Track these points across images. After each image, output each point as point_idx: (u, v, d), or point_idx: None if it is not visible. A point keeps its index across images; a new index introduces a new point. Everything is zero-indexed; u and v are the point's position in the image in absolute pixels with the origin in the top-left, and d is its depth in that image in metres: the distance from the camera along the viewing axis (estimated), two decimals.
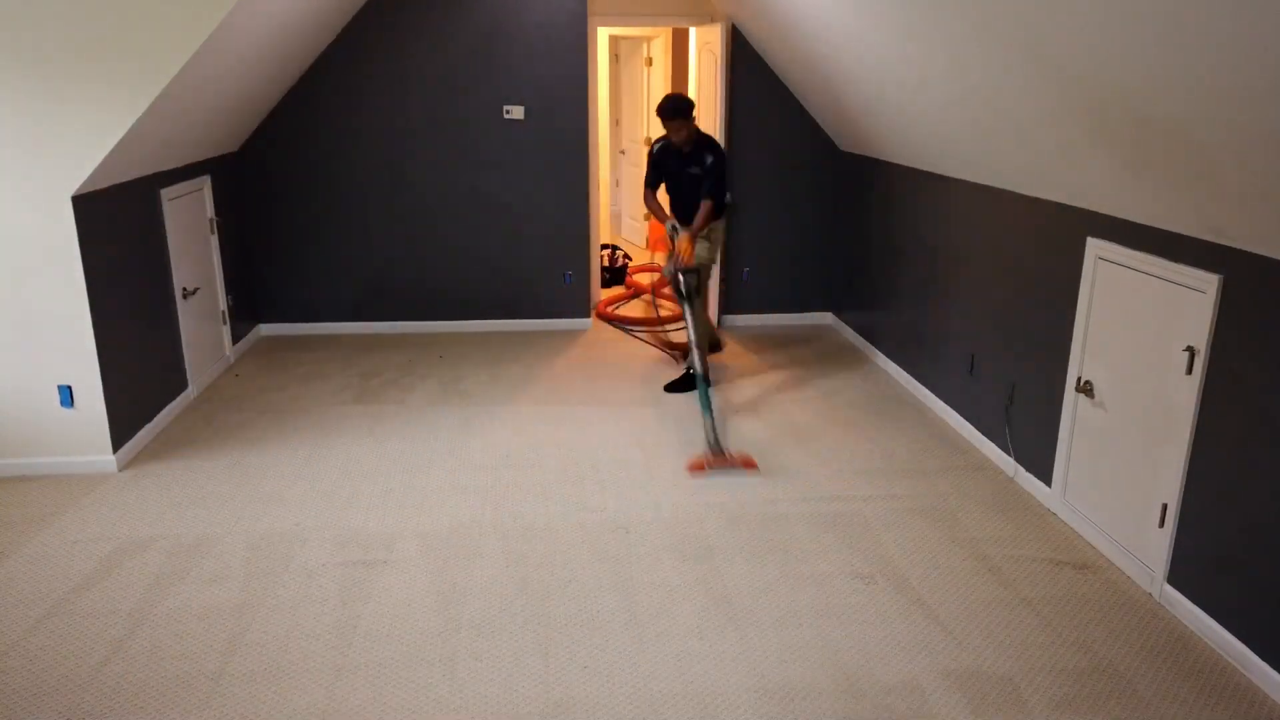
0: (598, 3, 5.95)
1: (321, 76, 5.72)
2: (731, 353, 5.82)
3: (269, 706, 2.58)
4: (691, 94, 6.70)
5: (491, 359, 5.67)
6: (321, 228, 6.00)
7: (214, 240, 5.31)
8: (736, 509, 3.72)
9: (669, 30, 8.36)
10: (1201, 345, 2.86)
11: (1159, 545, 3.09)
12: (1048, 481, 3.76)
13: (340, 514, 3.68)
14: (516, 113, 5.91)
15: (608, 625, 2.96)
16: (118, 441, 4.07)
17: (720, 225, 5.13)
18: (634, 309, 6.78)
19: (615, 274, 7.40)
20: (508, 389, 5.12)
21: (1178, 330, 2.97)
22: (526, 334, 6.19)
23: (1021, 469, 3.96)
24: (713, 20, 6.06)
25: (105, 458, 4.02)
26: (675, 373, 5.32)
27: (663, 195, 5.18)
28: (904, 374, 5.23)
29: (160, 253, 4.55)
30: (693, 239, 4.83)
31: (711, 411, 4.27)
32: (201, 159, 5.12)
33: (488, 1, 5.71)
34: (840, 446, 4.35)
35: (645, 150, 8.82)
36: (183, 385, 4.80)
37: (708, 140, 4.92)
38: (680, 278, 4.76)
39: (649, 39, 8.48)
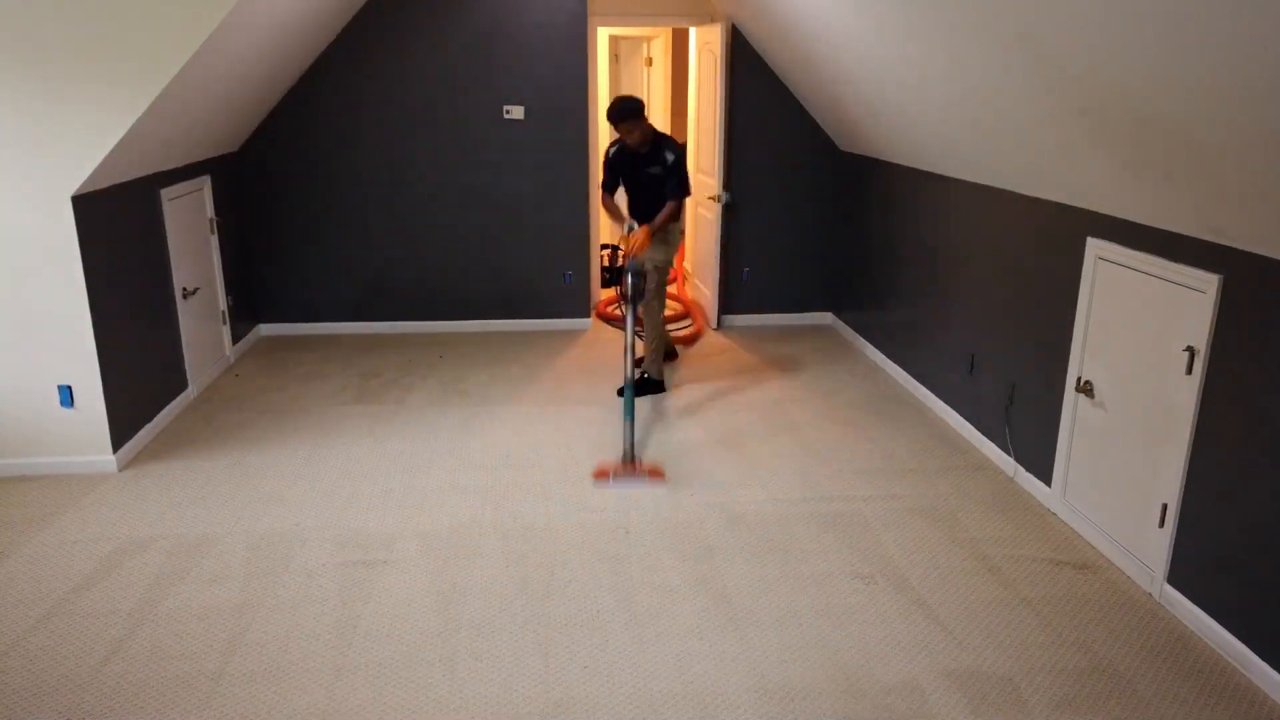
0: (598, 3, 5.95)
1: (321, 76, 5.72)
2: (731, 352, 5.82)
3: (269, 706, 2.58)
4: (691, 94, 6.70)
5: (491, 359, 5.67)
6: (321, 228, 6.00)
7: (214, 240, 5.31)
8: (736, 509, 3.72)
9: (669, 30, 8.35)
10: (1201, 345, 2.86)
11: (1159, 545, 3.09)
12: (1048, 481, 3.76)
13: (340, 514, 3.68)
14: (516, 113, 5.91)
15: (608, 625, 2.96)
16: (118, 441, 4.07)
17: (677, 227, 5.02)
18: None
19: (615, 274, 7.39)
20: (508, 389, 5.12)
21: (1178, 330, 2.97)
22: (526, 334, 6.19)
23: (1021, 469, 3.96)
24: (713, 20, 6.06)
25: (105, 458, 4.02)
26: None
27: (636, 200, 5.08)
28: (904, 374, 5.23)
29: (160, 253, 4.55)
30: (651, 233, 4.71)
31: (633, 419, 4.16)
32: (201, 159, 5.12)
33: (488, 1, 5.71)
34: (840, 446, 4.35)
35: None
36: (183, 385, 4.80)
37: (665, 139, 4.82)
38: (629, 280, 4.57)
39: (649, 39, 8.47)
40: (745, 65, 6.01)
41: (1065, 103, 2.97)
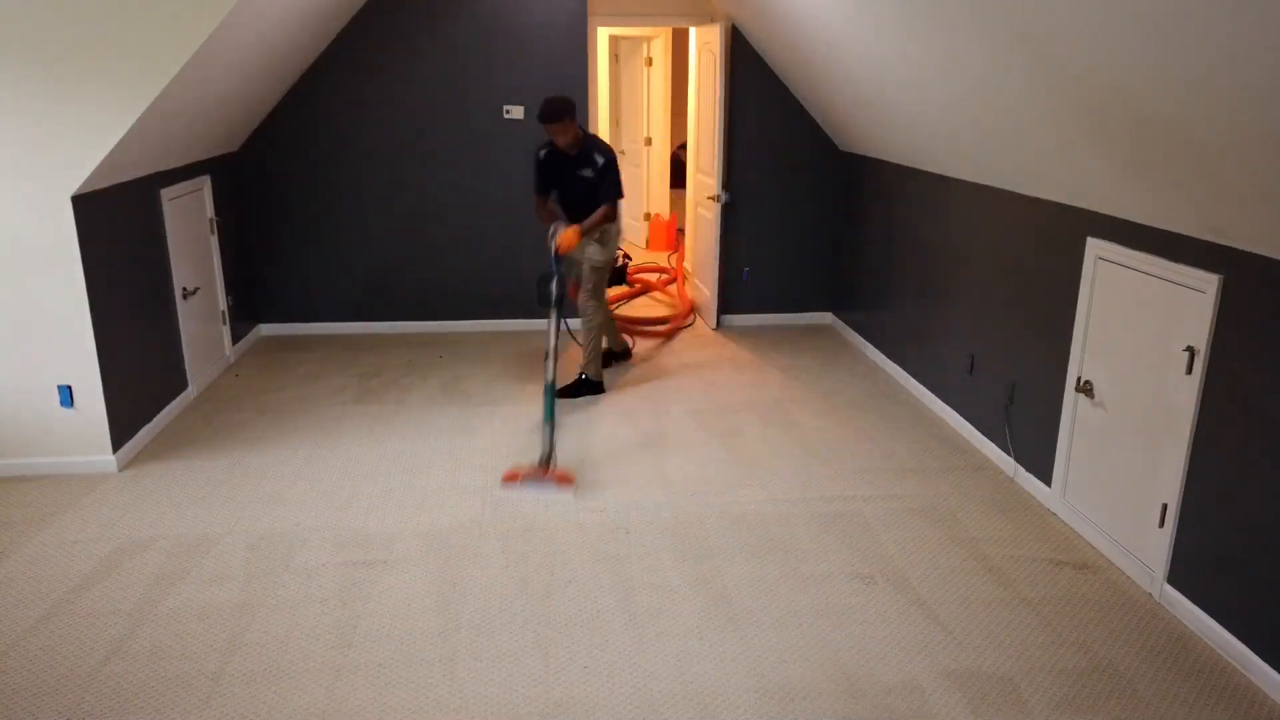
0: (598, 3, 5.95)
1: (321, 76, 5.72)
2: (731, 352, 5.82)
3: (269, 706, 2.58)
4: (691, 94, 6.70)
5: (491, 359, 5.67)
6: (321, 228, 6.00)
7: (214, 240, 5.31)
8: (736, 509, 3.72)
9: (669, 30, 8.35)
10: (1201, 345, 2.86)
11: (1159, 545, 3.09)
12: (1048, 481, 3.76)
13: (340, 514, 3.68)
14: (516, 113, 5.91)
15: (608, 625, 2.96)
16: (118, 441, 4.07)
17: (614, 228, 4.95)
18: (634, 309, 6.78)
19: (615, 274, 7.39)
20: (508, 389, 5.12)
21: (1178, 330, 2.97)
22: (526, 334, 6.19)
23: (1021, 469, 3.96)
24: (712, 20, 6.06)
25: (105, 458, 4.02)
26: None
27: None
28: (904, 374, 5.23)
29: (160, 253, 4.55)
30: (581, 233, 4.65)
31: (553, 423, 4.09)
32: (201, 159, 5.12)
33: (488, 1, 5.71)
34: (840, 446, 4.35)
35: (645, 150, 8.85)
36: (183, 385, 4.80)
37: (594, 141, 4.79)
38: (553, 284, 4.43)
39: (649, 39, 8.47)
40: (745, 65, 6.01)
41: (1065, 103, 2.97)
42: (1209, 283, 2.82)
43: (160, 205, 4.53)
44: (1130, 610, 3.05)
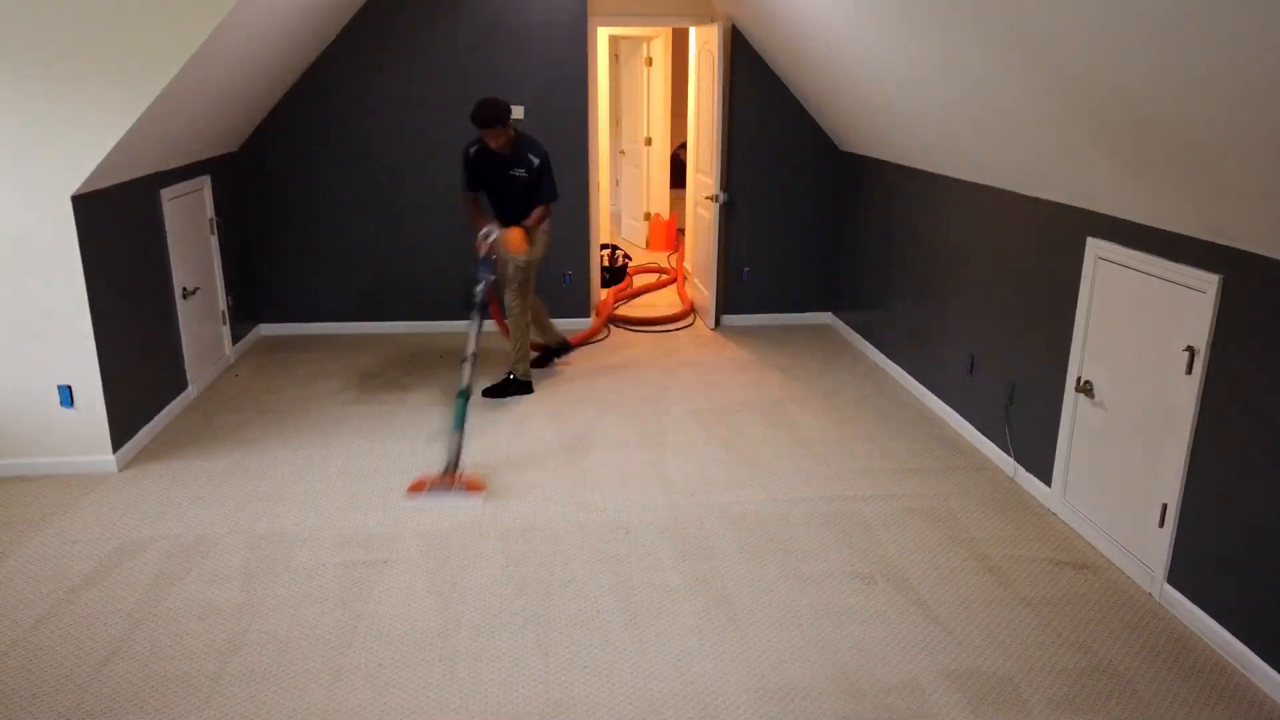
0: (598, 3, 5.95)
1: (321, 76, 5.72)
2: (731, 352, 5.82)
3: (269, 706, 2.58)
4: (691, 94, 6.70)
5: (491, 359, 5.67)
6: (321, 228, 6.00)
7: (214, 240, 5.31)
8: (736, 509, 3.72)
9: (669, 30, 8.36)
10: (1201, 345, 2.86)
11: (1159, 545, 3.09)
12: (1048, 481, 3.76)
13: (340, 514, 3.68)
14: (517, 113, 5.91)
15: (608, 625, 2.96)
16: (118, 441, 4.07)
17: (542, 228, 4.86)
18: (634, 309, 6.78)
19: (615, 274, 7.40)
20: None
21: (1178, 330, 2.97)
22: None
23: (1021, 469, 3.96)
24: (712, 20, 6.06)
25: (105, 458, 4.02)
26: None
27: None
28: (904, 374, 5.23)
29: (160, 253, 4.55)
30: (527, 233, 4.62)
31: (463, 430, 4.00)
32: (201, 159, 5.12)
33: (488, 1, 5.71)
34: (840, 446, 4.35)
35: (645, 150, 8.85)
36: (183, 385, 4.80)
37: (528, 141, 4.69)
38: (477, 289, 4.33)
39: (649, 39, 8.48)
40: (745, 65, 6.01)
41: (1065, 103, 2.97)
42: (1209, 283, 2.82)
43: (160, 205, 4.53)
44: (1130, 610, 3.05)
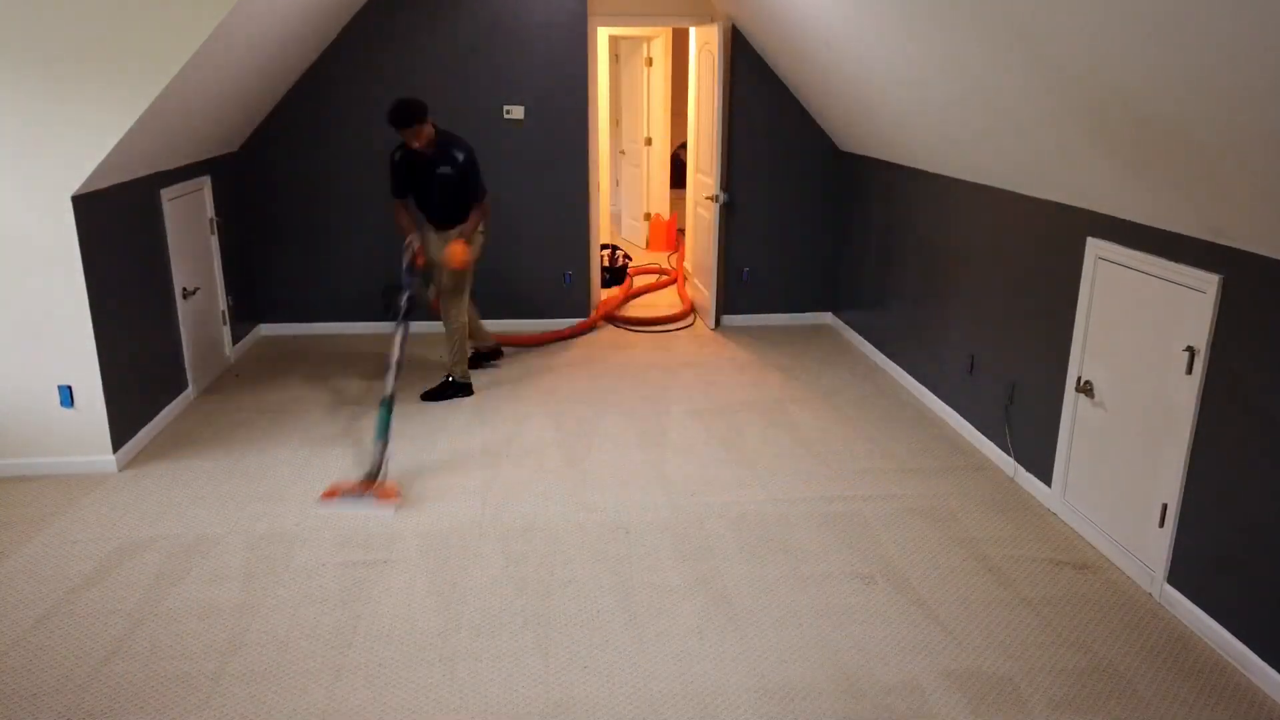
0: (598, 3, 5.95)
1: (321, 76, 5.72)
2: (731, 352, 5.82)
3: (269, 706, 2.58)
4: (691, 94, 6.70)
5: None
6: (321, 228, 6.00)
7: (214, 240, 5.31)
8: (736, 509, 3.72)
9: (669, 30, 8.36)
10: (1201, 345, 2.86)
11: (1159, 545, 3.09)
12: (1048, 481, 3.76)
13: (340, 514, 3.68)
14: (516, 113, 5.92)
15: (608, 625, 2.96)
16: (118, 441, 4.07)
17: (480, 227, 4.82)
18: (634, 308, 6.78)
19: (615, 274, 7.40)
20: (508, 389, 5.12)
21: (1178, 330, 2.97)
22: (524, 334, 6.19)
23: (1021, 469, 3.96)
24: (712, 20, 6.06)
25: (105, 458, 4.02)
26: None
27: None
28: (904, 374, 5.23)
29: (160, 253, 4.55)
30: (466, 241, 4.60)
31: (386, 438, 3.97)
32: (201, 159, 5.12)
33: (488, 1, 5.71)
34: (840, 446, 4.35)
35: (645, 150, 8.85)
36: (183, 385, 4.80)
37: (452, 138, 4.62)
38: (402, 297, 4.27)
39: (649, 39, 8.48)
40: (745, 65, 6.01)
41: (1065, 103, 2.97)
42: (1209, 283, 2.82)
43: (160, 205, 4.53)
44: (1130, 610, 3.05)
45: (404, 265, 4.43)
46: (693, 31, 6.44)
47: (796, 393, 5.08)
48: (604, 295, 6.91)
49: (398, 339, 4.17)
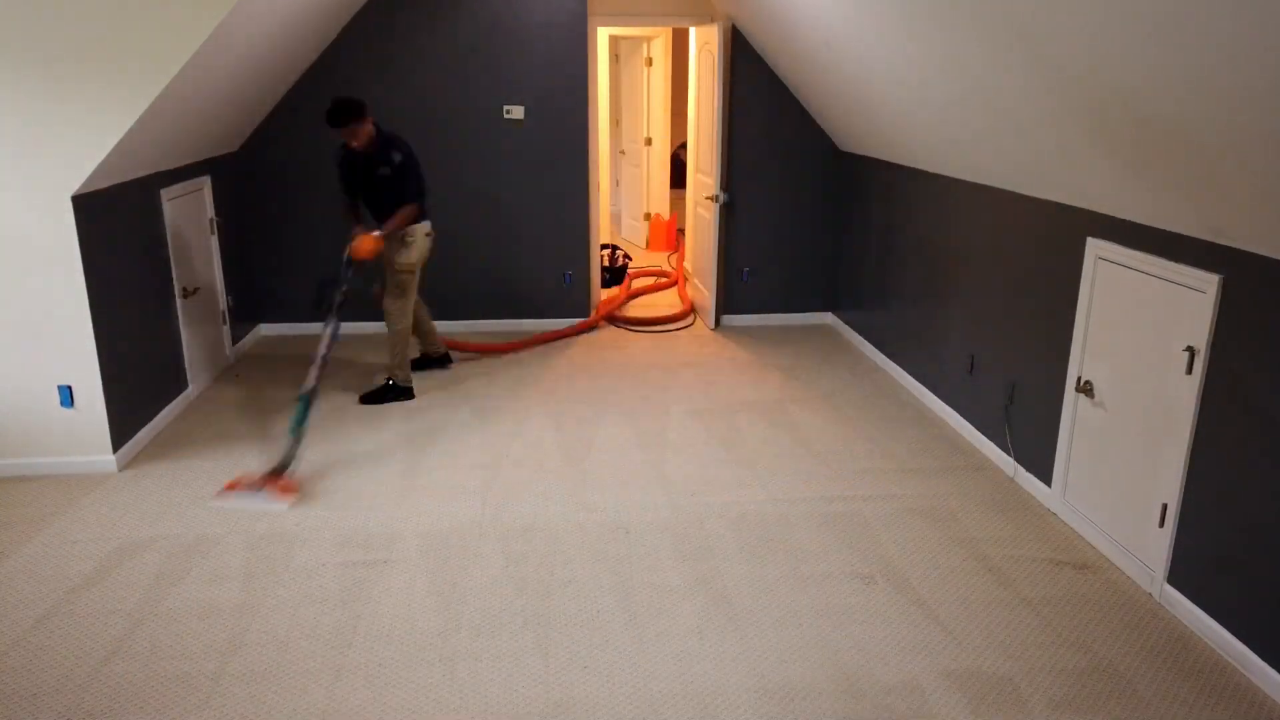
0: (598, 3, 5.95)
1: (321, 77, 5.72)
2: (731, 352, 5.82)
3: (269, 706, 2.58)
4: (691, 94, 6.70)
5: (491, 359, 5.67)
6: (322, 228, 5.99)
7: (214, 240, 5.31)
8: (736, 509, 3.72)
9: (669, 30, 8.36)
10: (1201, 345, 2.86)
11: (1159, 545, 3.09)
12: (1048, 481, 3.76)
13: (340, 514, 3.68)
14: (516, 113, 5.92)
15: (608, 625, 2.96)
16: (118, 441, 4.07)
17: (420, 229, 4.76)
18: (634, 308, 6.78)
19: (615, 274, 7.40)
20: (508, 389, 5.12)
21: (1178, 330, 2.97)
22: (526, 334, 6.19)
23: (1021, 469, 3.96)
24: (712, 20, 6.06)
25: (105, 458, 4.02)
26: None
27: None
28: (904, 374, 5.23)
29: (160, 253, 4.55)
30: (382, 238, 4.53)
31: (301, 432, 3.89)
32: (201, 159, 5.12)
33: (488, 1, 5.72)
34: (840, 446, 4.35)
35: (645, 150, 8.85)
36: (183, 385, 4.80)
37: (392, 138, 4.63)
38: (332, 292, 4.27)
39: (649, 39, 8.48)
40: (745, 65, 6.01)
41: (1065, 103, 2.97)
42: (1209, 283, 2.82)
43: (160, 205, 4.53)
44: (1130, 610, 3.05)
45: (343, 260, 4.46)
46: (693, 31, 6.44)
47: (796, 393, 5.08)
48: (604, 295, 6.91)
49: (326, 334, 4.15)
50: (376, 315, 5.04)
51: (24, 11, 3.36)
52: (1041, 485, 3.80)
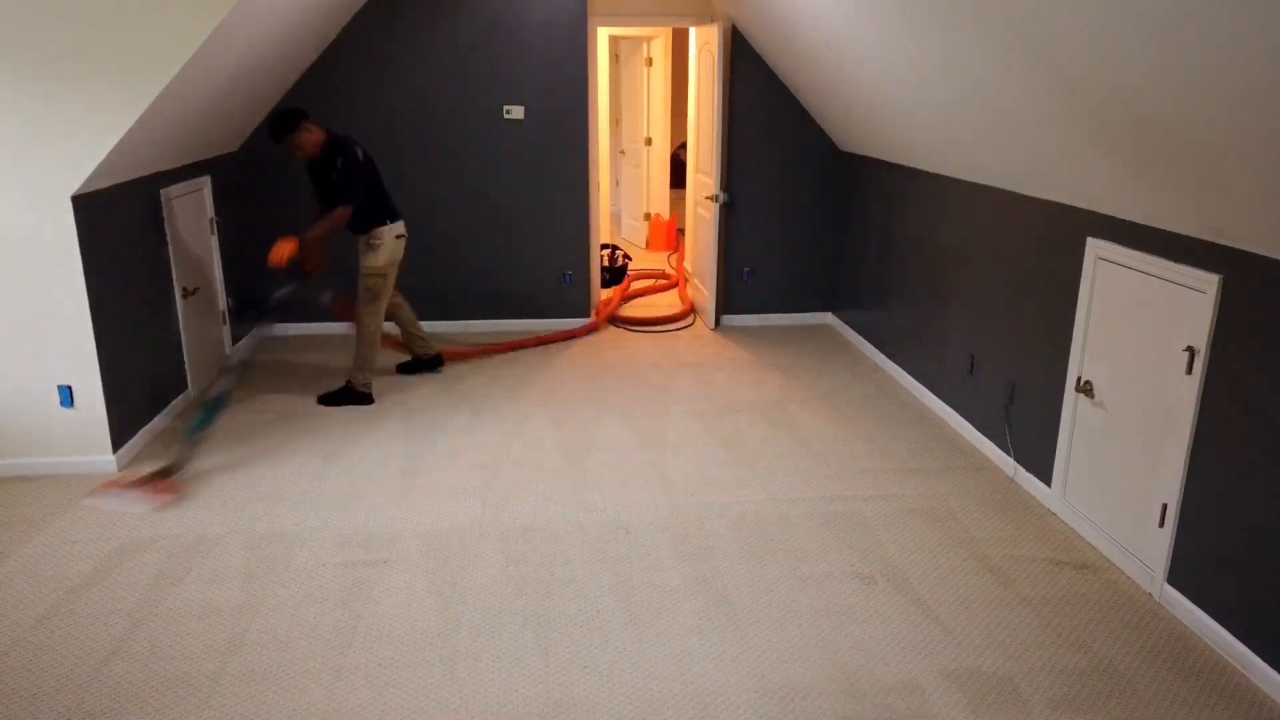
0: (598, 3, 5.95)
1: (321, 77, 5.72)
2: (731, 352, 5.82)
3: (269, 706, 2.58)
4: (691, 94, 6.70)
5: (491, 359, 5.67)
6: None
7: (214, 240, 5.31)
8: (736, 509, 3.72)
9: (669, 30, 8.36)
10: (1201, 345, 2.86)
11: (1159, 545, 3.09)
12: (1048, 481, 3.76)
13: (340, 514, 3.68)
14: (516, 113, 5.92)
15: (608, 625, 2.96)
16: (118, 441, 4.07)
17: (389, 232, 4.75)
18: (634, 309, 6.78)
19: (615, 274, 7.40)
20: (508, 389, 5.12)
21: (1178, 330, 2.97)
22: (526, 334, 6.19)
23: (1021, 469, 3.96)
24: (712, 20, 6.06)
25: (105, 458, 4.02)
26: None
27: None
28: (904, 374, 5.23)
29: (160, 253, 4.55)
30: (305, 243, 4.54)
31: (200, 435, 3.83)
32: (201, 159, 5.12)
33: (488, 1, 5.72)
34: (840, 446, 4.35)
35: (645, 150, 8.85)
36: (183, 385, 4.79)
37: (337, 143, 4.61)
38: (275, 294, 4.19)
39: (649, 39, 8.48)
40: (744, 65, 6.01)
41: (1065, 103, 2.97)
42: (1209, 283, 2.82)
43: (160, 205, 4.53)
44: (1130, 610, 3.05)
45: (293, 265, 4.47)
46: (693, 31, 6.44)
47: (796, 393, 5.09)
48: (603, 295, 6.90)
49: (250, 337, 4.11)
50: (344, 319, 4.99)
51: (24, 12, 3.36)
52: (1041, 485, 3.80)
